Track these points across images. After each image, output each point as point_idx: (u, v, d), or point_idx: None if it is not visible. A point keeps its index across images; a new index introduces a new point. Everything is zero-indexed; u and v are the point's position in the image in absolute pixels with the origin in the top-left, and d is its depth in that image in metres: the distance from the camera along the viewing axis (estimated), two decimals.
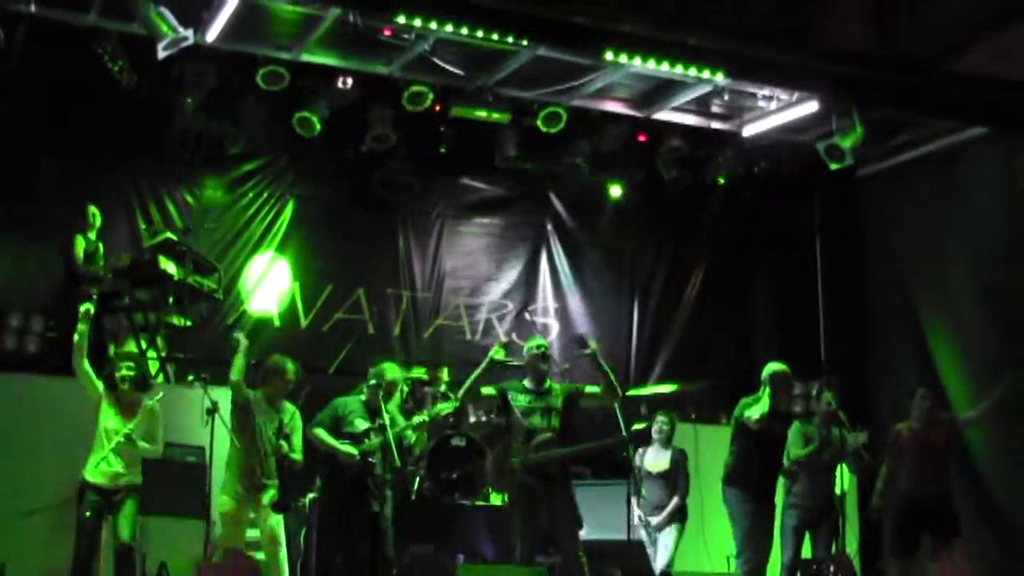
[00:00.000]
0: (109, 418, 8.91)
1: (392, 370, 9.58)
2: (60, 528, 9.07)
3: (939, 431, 10.48)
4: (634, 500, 10.41)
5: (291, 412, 9.38)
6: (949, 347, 12.56)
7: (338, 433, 9.25)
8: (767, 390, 9.62)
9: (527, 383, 9.19)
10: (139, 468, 9.04)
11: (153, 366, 11.23)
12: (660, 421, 10.75)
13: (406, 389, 9.49)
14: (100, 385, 8.96)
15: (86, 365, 8.87)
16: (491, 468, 9.46)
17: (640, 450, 10.68)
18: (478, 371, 9.35)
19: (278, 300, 13.07)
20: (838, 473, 10.32)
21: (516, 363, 9.72)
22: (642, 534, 10.48)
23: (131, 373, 9.01)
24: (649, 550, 10.40)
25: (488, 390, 9.26)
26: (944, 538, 10.30)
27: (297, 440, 9.30)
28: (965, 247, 12.45)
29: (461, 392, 9.47)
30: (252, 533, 9.58)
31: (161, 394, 9.35)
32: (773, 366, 9.83)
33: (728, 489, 9.70)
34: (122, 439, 8.83)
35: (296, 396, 9.72)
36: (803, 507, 10.08)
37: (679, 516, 10.59)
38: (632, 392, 13.51)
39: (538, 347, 9.22)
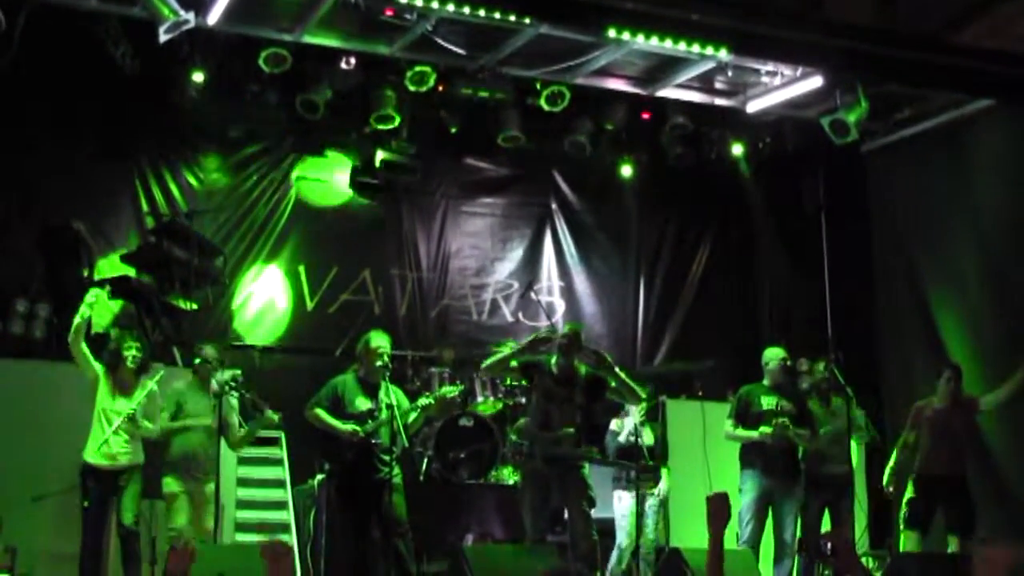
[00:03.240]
0: (107, 399, 9.00)
1: (376, 337, 9.40)
2: (69, 512, 9.09)
3: (960, 413, 10.45)
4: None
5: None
6: (955, 322, 12.54)
7: (340, 414, 9.19)
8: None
9: (555, 365, 9.11)
10: (140, 449, 9.12)
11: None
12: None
13: (388, 357, 9.27)
14: (98, 366, 9.03)
15: (84, 347, 8.95)
16: (511, 443, 9.45)
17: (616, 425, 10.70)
18: (517, 347, 9.34)
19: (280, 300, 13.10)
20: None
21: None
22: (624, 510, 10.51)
23: (139, 355, 9.12)
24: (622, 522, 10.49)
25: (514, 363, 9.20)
26: (957, 520, 10.28)
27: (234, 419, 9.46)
28: (971, 220, 12.41)
29: (487, 363, 9.38)
30: (245, 515, 9.67)
31: (161, 374, 9.42)
32: (770, 351, 10.32)
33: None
34: (125, 419, 8.91)
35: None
36: (815, 484, 10.18)
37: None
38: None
39: (570, 331, 9.20)
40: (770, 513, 10.00)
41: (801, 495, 10.04)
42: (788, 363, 10.29)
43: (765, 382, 10.25)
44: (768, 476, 9.94)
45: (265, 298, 12.96)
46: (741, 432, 10.08)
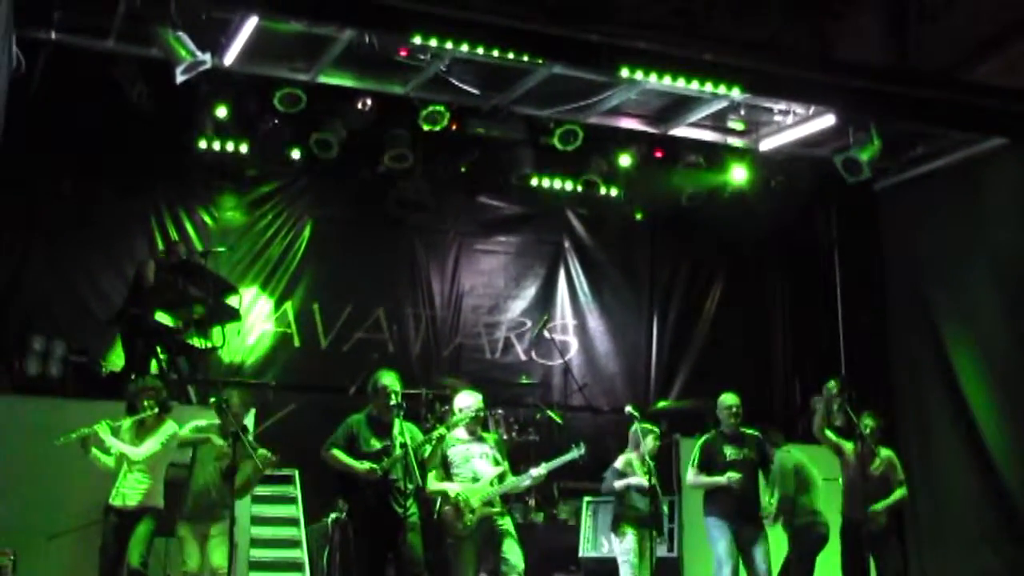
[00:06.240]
0: (125, 444, 9.00)
1: (384, 376, 9.34)
2: (84, 550, 9.11)
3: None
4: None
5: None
6: (970, 359, 12.49)
7: (355, 452, 9.13)
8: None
9: (463, 435, 9.47)
10: (159, 492, 9.07)
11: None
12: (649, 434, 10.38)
13: (398, 396, 9.26)
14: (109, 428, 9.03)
15: (95, 452, 8.95)
16: (451, 512, 9.39)
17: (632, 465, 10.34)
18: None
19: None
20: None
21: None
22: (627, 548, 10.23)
23: (154, 407, 9.10)
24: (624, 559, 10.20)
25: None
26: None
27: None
28: (986, 257, 12.37)
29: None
30: (258, 553, 9.61)
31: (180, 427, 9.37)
32: (722, 398, 10.37)
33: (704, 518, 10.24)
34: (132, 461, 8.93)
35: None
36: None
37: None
38: (658, 406, 13.58)
39: (477, 411, 9.49)
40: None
41: (758, 535, 10.06)
42: (738, 410, 10.28)
43: (723, 429, 10.32)
44: (735, 520, 10.00)
45: (278, 336, 13.00)
46: (707, 479, 10.13)
